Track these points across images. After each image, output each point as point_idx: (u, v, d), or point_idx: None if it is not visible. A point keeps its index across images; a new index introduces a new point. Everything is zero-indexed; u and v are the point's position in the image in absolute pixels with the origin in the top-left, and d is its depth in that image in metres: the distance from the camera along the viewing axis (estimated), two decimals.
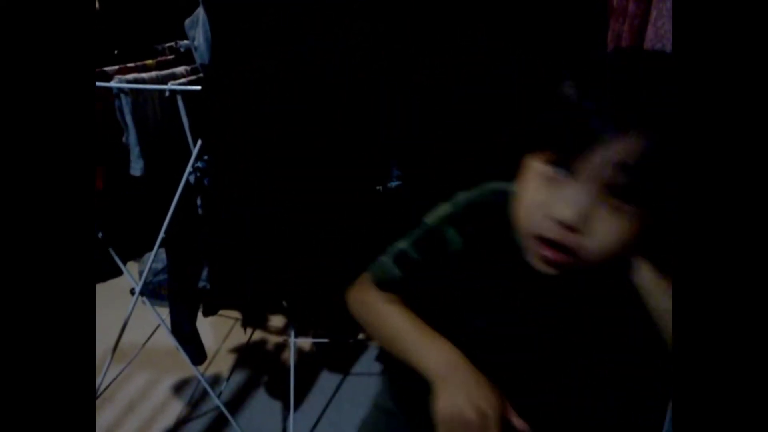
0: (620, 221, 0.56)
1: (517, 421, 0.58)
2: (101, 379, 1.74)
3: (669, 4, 0.89)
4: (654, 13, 0.92)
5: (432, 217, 0.72)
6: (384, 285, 0.71)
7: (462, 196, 0.73)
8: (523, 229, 0.62)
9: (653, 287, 0.60)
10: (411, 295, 0.70)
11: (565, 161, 0.56)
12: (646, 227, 0.57)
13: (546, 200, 0.58)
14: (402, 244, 0.72)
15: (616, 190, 0.54)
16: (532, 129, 0.63)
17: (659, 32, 0.92)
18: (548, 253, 0.58)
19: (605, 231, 0.56)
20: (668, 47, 0.91)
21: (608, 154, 0.53)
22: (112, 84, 1.34)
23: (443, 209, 0.72)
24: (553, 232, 0.57)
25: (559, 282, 0.62)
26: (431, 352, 0.63)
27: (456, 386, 0.59)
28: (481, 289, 0.69)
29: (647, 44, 0.96)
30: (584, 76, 0.58)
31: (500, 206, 0.67)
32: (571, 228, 0.56)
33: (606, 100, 0.54)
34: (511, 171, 0.65)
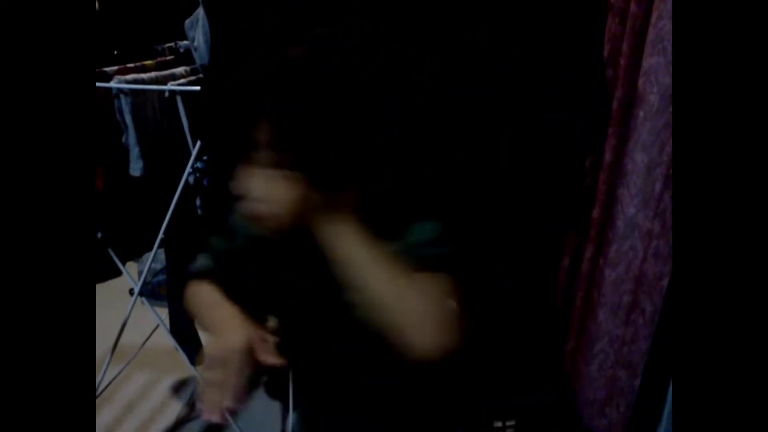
0: (289, 185, 0.66)
1: (267, 358, 0.67)
2: (100, 379, 1.74)
3: (670, 6, 0.89)
4: (655, 15, 0.92)
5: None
6: (201, 275, 0.82)
7: None
8: None
9: (330, 238, 0.69)
10: (223, 278, 0.80)
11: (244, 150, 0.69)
12: (307, 189, 0.67)
13: (246, 185, 0.70)
14: (213, 240, 0.85)
15: (266, 161, 0.66)
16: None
17: (660, 33, 0.92)
18: (256, 223, 0.70)
19: (280, 195, 0.67)
20: (669, 49, 0.91)
21: (250, 135, 0.67)
22: (112, 84, 1.34)
23: None
24: (251, 208, 0.69)
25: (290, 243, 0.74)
26: (213, 315, 0.74)
27: (217, 337, 0.70)
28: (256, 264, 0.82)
29: (648, 45, 0.96)
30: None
31: None
32: (263, 200, 0.68)
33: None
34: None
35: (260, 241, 0.77)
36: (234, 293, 0.78)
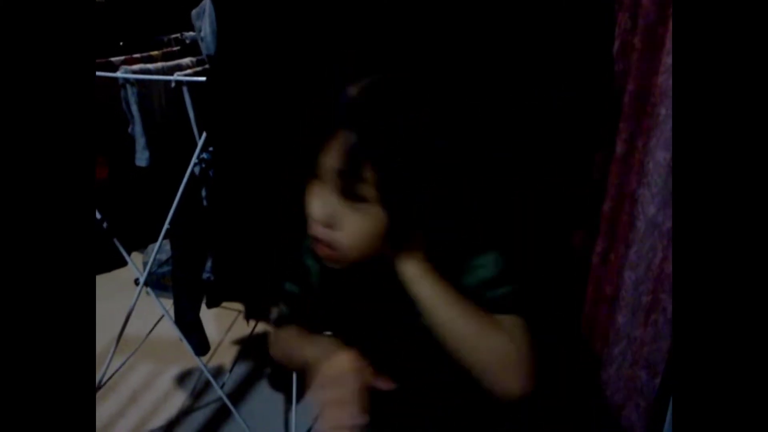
0: (362, 218, 0.64)
1: (377, 381, 0.65)
2: (104, 370, 1.75)
3: None
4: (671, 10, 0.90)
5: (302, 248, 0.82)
6: (277, 322, 0.84)
7: None
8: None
9: (410, 278, 0.68)
10: (303, 319, 0.81)
11: (311, 168, 0.66)
12: (387, 223, 0.64)
13: (309, 203, 0.67)
14: (287, 285, 0.84)
15: (344, 191, 0.63)
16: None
17: None
18: (318, 246, 0.68)
19: (349, 226, 0.65)
20: None
21: (328, 160, 0.63)
22: (118, 74, 1.33)
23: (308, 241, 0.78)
24: (312, 229, 0.67)
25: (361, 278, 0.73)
26: (311, 348, 0.73)
27: (326, 362, 0.67)
28: (329, 301, 0.81)
29: (669, 42, 0.94)
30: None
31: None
32: (325, 224, 0.65)
33: (324, 106, 0.65)
34: None
35: (331, 279, 0.76)
36: (314, 332, 0.79)
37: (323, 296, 0.81)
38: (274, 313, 0.84)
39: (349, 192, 0.63)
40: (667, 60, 0.94)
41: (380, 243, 0.66)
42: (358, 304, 0.80)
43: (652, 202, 1.01)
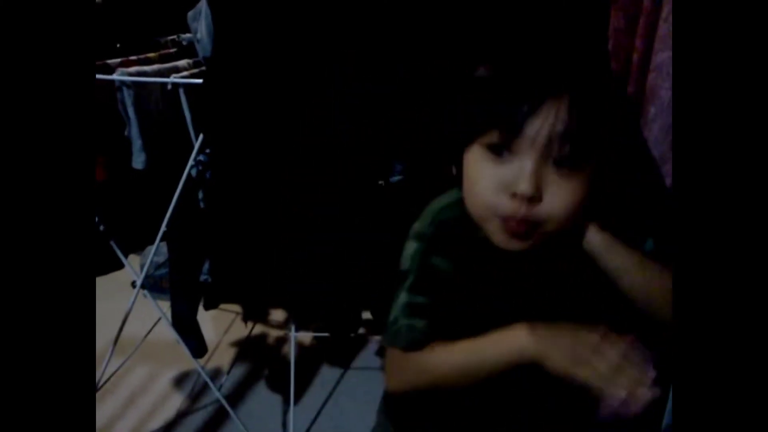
0: (569, 184, 0.60)
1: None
2: (102, 372, 1.74)
3: None
4: (665, 9, 0.91)
5: (408, 257, 0.72)
6: (416, 344, 0.70)
7: (420, 225, 0.74)
8: (484, 215, 0.65)
9: (604, 248, 0.65)
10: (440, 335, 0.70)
11: (504, 140, 0.60)
12: (593, 184, 0.62)
13: (499, 181, 0.61)
14: (403, 299, 0.71)
15: (557, 157, 0.59)
16: (462, 117, 0.66)
17: (671, 28, 0.90)
18: (514, 226, 0.62)
19: (559, 195, 0.60)
20: None
21: (539, 125, 0.58)
22: (115, 77, 1.33)
23: (411, 246, 0.73)
24: (515, 208, 0.61)
25: (533, 260, 0.66)
26: (504, 341, 0.64)
27: (549, 338, 0.61)
28: (483, 294, 0.71)
29: (658, 40, 0.94)
30: (500, 56, 0.64)
31: (463, 214, 0.69)
32: (530, 199, 0.60)
33: (523, 72, 0.61)
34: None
35: (470, 272, 0.70)
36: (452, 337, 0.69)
37: (463, 294, 0.72)
38: (397, 336, 0.71)
39: (573, 156, 0.59)
40: (656, 58, 0.94)
41: (582, 207, 0.63)
42: (503, 295, 0.72)
43: None
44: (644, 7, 0.95)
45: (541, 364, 0.60)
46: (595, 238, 0.65)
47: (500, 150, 0.61)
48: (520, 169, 0.60)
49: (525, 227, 0.62)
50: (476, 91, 0.64)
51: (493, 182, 0.62)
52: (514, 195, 0.60)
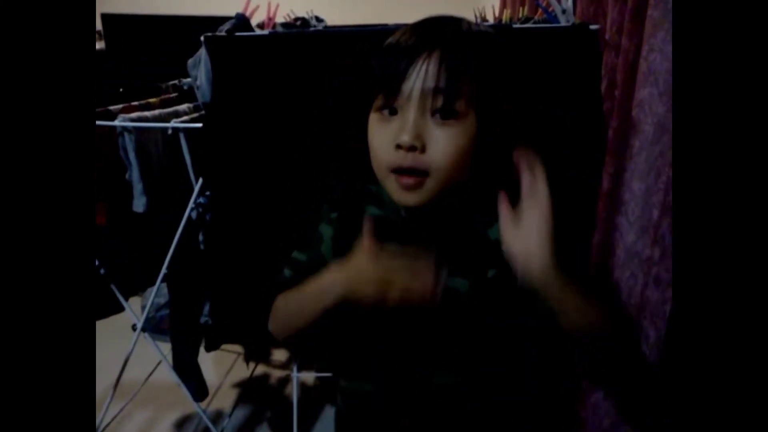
0: (450, 132, 0.67)
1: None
2: (102, 416, 1.72)
3: (659, 39, 0.91)
4: (646, 48, 0.94)
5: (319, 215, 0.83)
6: (279, 288, 0.80)
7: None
8: (382, 174, 0.71)
9: (556, 290, 0.66)
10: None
11: (387, 101, 0.68)
12: (475, 134, 0.68)
13: (387, 136, 0.68)
14: (294, 253, 0.83)
15: (434, 110, 0.66)
16: (357, 88, 0.73)
17: (652, 66, 0.93)
18: (404, 178, 0.68)
19: (441, 143, 0.66)
20: (661, 80, 0.92)
21: (413, 82, 0.65)
22: (116, 123, 1.36)
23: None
24: (401, 158, 0.67)
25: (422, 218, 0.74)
26: (321, 285, 0.71)
27: (353, 274, 0.67)
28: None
29: (640, 77, 0.98)
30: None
31: (358, 187, 0.78)
32: (412, 147, 0.66)
33: (402, 39, 0.68)
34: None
35: (344, 248, 0.75)
36: None
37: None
38: (279, 277, 0.80)
39: (447, 107, 0.66)
40: (638, 95, 0.97)
41: (469, 160, 0.69)
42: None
43: (630, 231, 1.03)
44: (623, 46, 0.99)
45: (354, 300, 0.66)
46: (550, 280, 0.66)
47: (388, 110, 0.69)
48: (403, 122, 0.67)
49: (414, 179, 0.68)
50: (365, 62, 0.72)
51: (383, 139, 0.69)
52: (398, 146, 0.67)
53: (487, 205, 0.75)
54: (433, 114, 0.66)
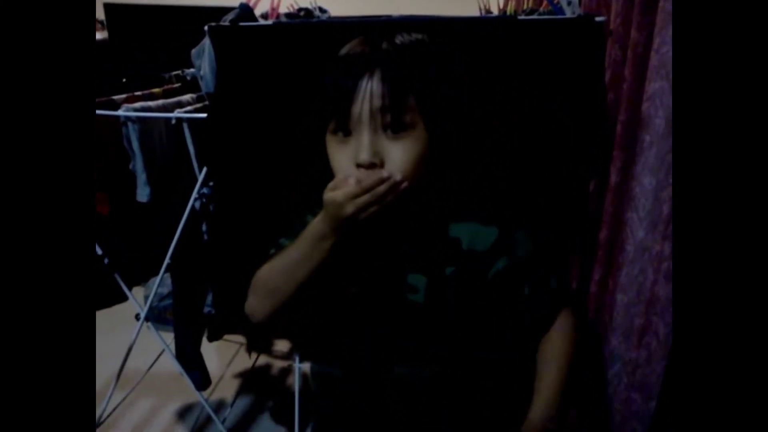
0: (403, 144, 0.71)
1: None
2: (105, 405, 1.73)
3: (671, 32, 0.89)
4: (657, 41, 0.92)
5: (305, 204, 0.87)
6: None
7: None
8: None
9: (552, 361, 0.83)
10: None
11: (341, 124, 0.72)
12: (427, 139, 0.72)
13: (346, 156, 0.73)
14: (280, 240, 0.87)
15: (384, 126, 0.71)
16: (313, 115, 0.77)
17: (663, 59, 0.92)
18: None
19: (397, 156, 0.71)
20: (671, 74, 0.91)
21: (360, 103, 0.70)
22: (120, 113, 1.36)
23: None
24: (355, 179, 0.70)
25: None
26: (307, 232, 0.75)
27: (331, 205, 0.71)
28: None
29: (651, 71, 0.96)
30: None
31: None
32: (372, 165, 0.71)
33: (340, 65, 0.74)
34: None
35: None
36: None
37: None
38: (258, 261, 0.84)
39: (396, 123, 0.71)
40: (649, 88, 0.96)
41: (423, 164, 0.73)
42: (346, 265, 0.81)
43: (641, 226, 1.03)
44: (632, 38, 0.97)
45: (339, 234, 0.72)
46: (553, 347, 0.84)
47: (342, 132, 0.73)
48: (358, 142, 0.71)
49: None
50: (323, 81, 0.76)
51: (343, 159, 0.73)
52: (359, 165, 0.71)
53: (448, 203, 0.81)
54: (384, 130, 0.71)
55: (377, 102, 0.70)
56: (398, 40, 0.74)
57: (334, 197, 0.69)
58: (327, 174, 0.77)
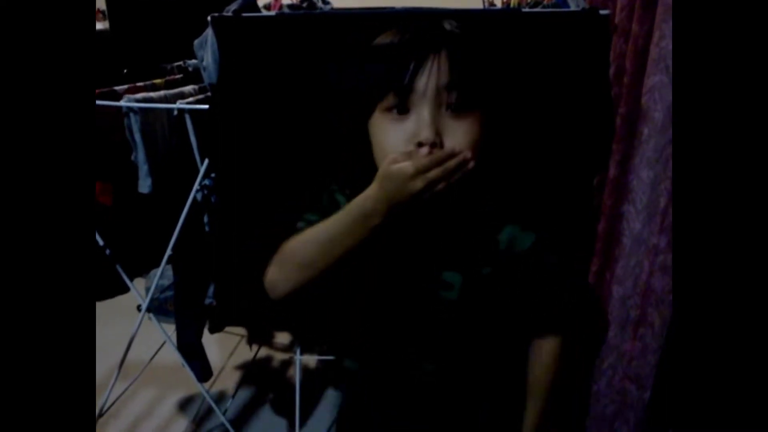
0: (463, 126, 0.70)
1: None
2: (107, 396, 1.74)
3: (671, 26, 0.90)
4: (657, 34, 0.93)
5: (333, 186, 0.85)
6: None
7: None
8: None
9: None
10: None
11: (401, 99, 0.69)
12: (487, 123, 0.72)
13: (405, 135, 0.70)
14: (306, 214, 0.83)
15: (447, 105, 0.69)
16: (362, 88, 0.74)
17: (662, 52, 0.92)
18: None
19: (457, 137, 0.69)
20: (672, 66, 0.91)
21: (426, 80, 0.68)
22: (122, 103, 1.36)
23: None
24: (423, 154, 0.68)
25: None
26: (354, 206, 0.70)
27: (388, 179, 0.67)
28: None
29: (650, 64, 0.97)
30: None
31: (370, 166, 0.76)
32: (432, 144, 0.68)
33: (404, 37, 0.71)
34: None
35: None
36: None
37: None
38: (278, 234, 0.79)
39: (461, 101, 0.69)
40: (648, 81, 0.96)
41: (479, 151, 0.71)
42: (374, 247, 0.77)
43: (637, 219, 1.03)
44: (633, 31, 0.98)
45: (392, 213, 0.67)
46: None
47: (400, 109, 0.70)
48: (419, 120, 0.69)
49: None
50: (371, 62, 0.74)
51: (400, 138, 0.70)
52: (419, 144, 0.68)
53: (502, 205, 0.81)
54: (447, 108, 0.69)
55: (444, 78, 0.68)
56: (446, 26, 0.73)
57: (403, 169, 0.65)
58: (363, 154, 0.75)
